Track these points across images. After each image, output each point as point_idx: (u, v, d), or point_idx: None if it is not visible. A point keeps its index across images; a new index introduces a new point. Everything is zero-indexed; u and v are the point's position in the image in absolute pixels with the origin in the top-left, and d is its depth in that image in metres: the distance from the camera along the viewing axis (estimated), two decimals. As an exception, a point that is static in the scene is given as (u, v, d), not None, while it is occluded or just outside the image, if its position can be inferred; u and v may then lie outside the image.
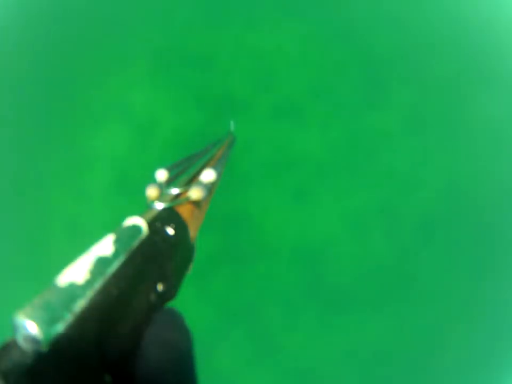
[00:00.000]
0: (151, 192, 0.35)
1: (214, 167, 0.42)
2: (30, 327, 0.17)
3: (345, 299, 2.38)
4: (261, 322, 2.32)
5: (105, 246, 0.24)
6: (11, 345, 0.18)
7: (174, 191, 0.37)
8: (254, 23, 2.75)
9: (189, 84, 2.64)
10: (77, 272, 0.21)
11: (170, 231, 0.32)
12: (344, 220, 2.47)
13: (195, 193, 0.37)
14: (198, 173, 0.43)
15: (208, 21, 2.77)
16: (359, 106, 2.63)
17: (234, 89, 2.57)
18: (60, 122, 2.67)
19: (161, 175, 0.38)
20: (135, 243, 0.27)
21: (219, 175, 0.44)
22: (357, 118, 2.62)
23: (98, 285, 0.22)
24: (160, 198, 0.36)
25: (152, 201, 0.34)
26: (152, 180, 0.47)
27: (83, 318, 0.20)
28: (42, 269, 2.46)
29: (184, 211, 0.36)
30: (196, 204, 0.39)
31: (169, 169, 0.40)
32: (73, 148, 2.61)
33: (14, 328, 0.18)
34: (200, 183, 0.38)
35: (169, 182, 0.40)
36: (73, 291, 0.20)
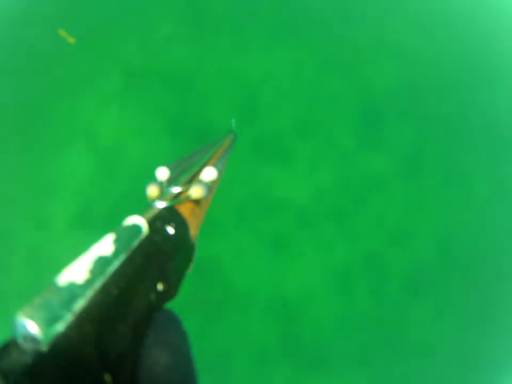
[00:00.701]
0: (152, 191, 0.35)
1: (215, 166, 0.42)
2: (30, 326, 0.17)
3: (324, 358, 2.19)
4: (232, 376, 2.17)
5: (105, 246, 0.24)
6: (11, 345, 0.18)
7: (175, 189, 0.37)
8: (242, 44, 2.52)
9: (163, 107, 2.41)
10: (76, 272, 0.21)
11: (170, 230, 0.32)
12: (326, 272, 2.28)
13: (196, 191, 0.37)
14: (199, 171, 0.42)
15: (190, 38, 2.52)
16: (351, 146, 2.42)
17: (212, 117, 2.37)
18: (23, 146, 2.48)
19: (162, 173, 0.38)
20: (135, 242, 0.27)
21: (220, 173, 0.44)
22: (347, 159, 2.41)
23: (98, 284, 0.22)
24: (160, 196, 0.36)
25: (153, 200, 0.34)
26: (152, 179, 0.47)
27: (83, 318, 0.20)
28: (3, 295, 2.32)
29: (185, 210, 0.36)
30: (197, 202, 0.39)
31: (170, 168, 0.40)
32: (36, 173, 2.43)
33: (14, 328, 0.18)
34: (201, 182, 0.38)
35: (170, 181, 0.39)
36: (73, 291, 0.20)
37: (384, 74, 2.54)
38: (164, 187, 0.37)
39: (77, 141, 2.42)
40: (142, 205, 0.36)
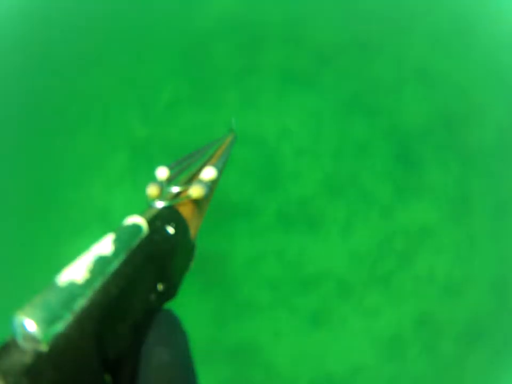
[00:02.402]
0: (152, 190, 0.35)
1: (215, 165, 0.42)
2: (29, 326, 0.17)
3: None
4: None
5: (105, 245, 0.24)
6: (11, 345, 0.18)
7: (175, 189, 0.37)
8: (250, 100, 2.30)
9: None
10: (76, 271, 0.21)
11: (170, 230, 0.32)
12: (374, 339, 2.09)
13: (196, 191, 0.36)
14: (199, 171, 0.42)
15: (194, 100, 2.34)
16: (388, 197, 2.19)
17: (230, 188, 2.17)
18: (35, 233, 2.34)
19: (162, 173, 0.38)
20: (135, 242, 0.27)
21: (220, 172, 0.44)
22: (386, 213, 2.18)
23: (98, 284, 0.22)
24: (160, 196, 0.36)
25: (153, 200, 0.34)
26: (153, 178, 0.46)
27: (83, 318, 0.20)
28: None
29: (185, 209, 0.36)
30: (197, 202, 0.38)
31: (170, 167, 0.40)
32: (52, 255, 2.28)
33: (14, 327, 0.18)
34: (201, 181, 0.38)
35: (170, 180, 0.39)
36: (73, 290, 0.20)
37: (413, 107, 2.32)
38: (163, 186, 0.37)
39: (91, 224, 2.30)
40: (142, 205, 0.36)
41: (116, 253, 0.24)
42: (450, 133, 2.30)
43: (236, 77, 2.34)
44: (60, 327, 0.18)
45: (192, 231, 0.37)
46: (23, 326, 0.17)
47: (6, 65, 2.62)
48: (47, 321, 0.18)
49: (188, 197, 0.36)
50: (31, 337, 0.17)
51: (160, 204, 0.33)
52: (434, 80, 2.39)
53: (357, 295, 2.11)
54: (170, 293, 0.30)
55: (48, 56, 2.52)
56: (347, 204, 2.21)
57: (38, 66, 2.53)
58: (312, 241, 2.17)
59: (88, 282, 0.21)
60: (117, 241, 0.25)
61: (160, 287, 0.28)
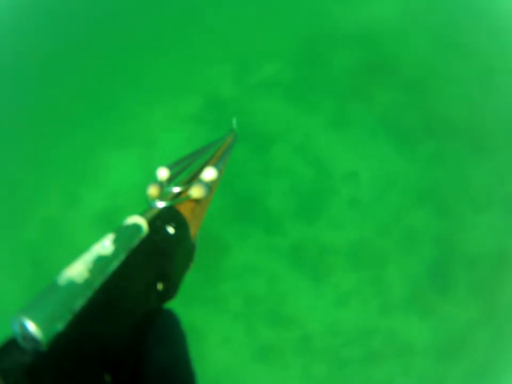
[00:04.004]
0: (152, 190, 0.35)
1: (215, 165, 0.42)
2: (29, 326, 0.17)
3: None
4: None
5: (105, 245, 0.24)
6: (11, 345, 0.18)
7: (175, 189, 0.37)
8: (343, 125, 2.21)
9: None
10: (76, 271, 0.21)
11: (170, 230, 0.32)
12: None
13: (196, 191, 0.37)
14: (199, 171, 0.42)
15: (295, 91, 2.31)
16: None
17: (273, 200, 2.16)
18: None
19: (162, 173, 0.38)
20: (135, 242, 0.27)
21: (220, 173, 0.44)
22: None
23: (98, 284, 0.22)
24: (161, 196, 0.36)
25: (153, 200, 0.34)
26: (153, 178, 0.46)
27: (83, 318, 0.20)
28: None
29: (185, 209, 0.36)
30: (197, 202, 0.39)
31: (171, 167, 0.40)
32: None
33: (13, 327, 0.18)
34: (201, 181, 0.38)
35: (170, 180, 0.39)
36: (72, 290, 0.20)
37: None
38: (164, 187, 0.37)
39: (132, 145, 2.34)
40: (142, 205, 0.36)
41: (115, 253, 0.24)
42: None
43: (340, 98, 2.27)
44: (59, 327, 0.18)
45: (193, 231, 0.37)
46: (22, 326, 0.17)
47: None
48: (47, 321, 0.18)
49: (188, 197, 0.36)
50: (31, 337, 0.17)
51: (160, 204, 0.33)
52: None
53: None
54: (170, 293, 0.30)
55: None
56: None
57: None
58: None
59: (88, 282, 0.21)
60: (117, 241, 0.25)
61: (160, 287, 0.28)
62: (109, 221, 2.22)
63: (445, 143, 2.23)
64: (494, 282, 2.12)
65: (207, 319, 2.07)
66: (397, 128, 2.26)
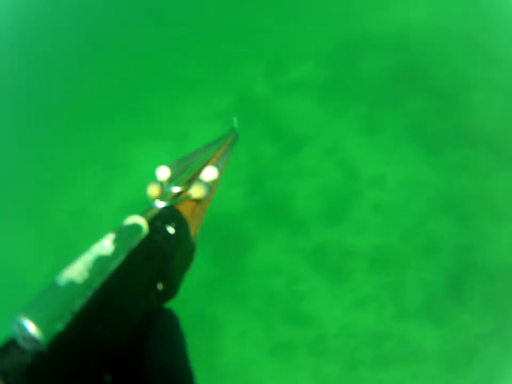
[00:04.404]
0: (152, 190, 0.35)
1: (216, 165, 0.41)
2: (29, 326, 0.17)
3: None
4: None
5: (105, 245, 0.24)
6: (11, 345, 0.18)
7: (175, 189, 0.37)
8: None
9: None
10: (76, 271, 0.21)
11: (171, 230, 0.32)
12: None
13: (196, 191, 0.37)
14: (200, 171, 0.42)
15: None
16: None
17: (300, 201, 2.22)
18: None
19: (163, 173, 0.38)
20: (136, 242, 0.27)
21: (220, 173, 0.44)
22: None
23: (98, 284, 0.22)
24: (161, 196, 0.36)
25: (153, 200, 0.34)
26: (153, 178, 0.47)
27: (83, 318, 0.20)
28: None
29: (185, 209, 0.36)
30: (197, 202, 0.38)
31: (171, 167, 0.40)
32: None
33: (13, 328, 0.18)
34: (202, 181, 0.38)
35: (171, 180, 0.39)
36: (72, 290, 0.20)
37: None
38: (164, 186, 0.37)
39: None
40: (143, 205, 0.36)
41: (115, 253, 0.24)
42: None
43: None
44: (59, 327, 0.18)
45: (193, 231, 0.37)
46: (22, 326, 0.17)
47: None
48: (47, 321, 0.18)
49: (189, 197, 0.36)
50: (31, 338, 0.17)
51: (160, 204, 0.33)
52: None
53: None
54: (170, 293, 0.30)
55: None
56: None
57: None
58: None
59: (88, 282, 0.21)
60: (117, 241, 0.25)
61: (160, 287, 0.28)
62: (135, 212, 2.29)
63: (472, 153, 2.19)
64: (510, 296, 2.07)
65: (227, 313, 2.08)
66: (426, 135, 2.23)
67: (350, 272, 2.14)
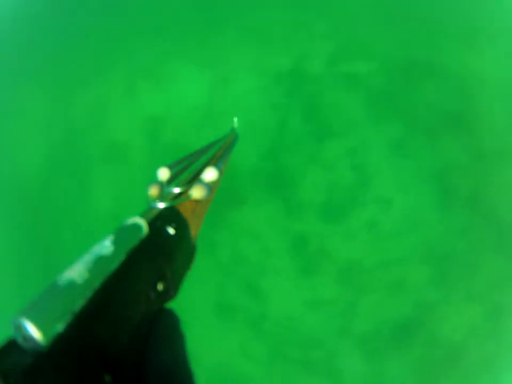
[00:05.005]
0: (152, 191, 0.35)
1: (216, 166, 0.42)
2: (29, 327, 0.17)
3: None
4: None
5: (105, 246, 0.24)
6: (11, 345, 0.18)
7: (175, 189, 0.37)
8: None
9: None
10: (76, 272, 0.21)
11: (171, 230, 0.32)
12: None
13: (197, 192, 0.37)
14: (200, 171, 0.42)
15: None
16: None
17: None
18: None
19: (163, 173, 0.38)
20: (135, 243, 0.27)
21: (221, 173, 0.44)
22: None
23: (98, 284, 0.22)
24: (161, 196, 0.36)
25: (153, 200, 0.34)
26: (153, 179, 0.46)
27: (83, 318, 0.20)
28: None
29: (186, 210, 0.36)
30: (198, 202, 0.39)
31: (171, 168, 0.40)
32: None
33: (13, 328, 0.18)
34: (202, 182, 0.38)
35: (171, 181, 0.39)
36: (72, 291, 0.20)
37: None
38: (164, 187, 0.37)
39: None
40: (142, 205, 0.36)
41: (115, 253, 0.24)
42: None
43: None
44: (59, 327, 0.18)
45: (193, 232, 0.37)
46: (22, 327, 0.17)
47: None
48: (47, 322, 0.18)
49: (189, 198, 0.36)
50: (31, 338, 0.17)
51: (160, 205, 0.33)
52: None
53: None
54: (170, 293, 0.30)
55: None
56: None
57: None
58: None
59: (88, 283, 0.21)
60: (117, 241, 0.25)
61: (160, 287, 0.28)
62: (156, 128, 2.24)
63: (479, 222, 2.10)
64: (440, 366, 2.09)
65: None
66: (448, 184, 2.15)
67: (318, 271, 2.13)
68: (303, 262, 2.15)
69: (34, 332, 0.17)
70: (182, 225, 0.34)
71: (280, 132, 2.27)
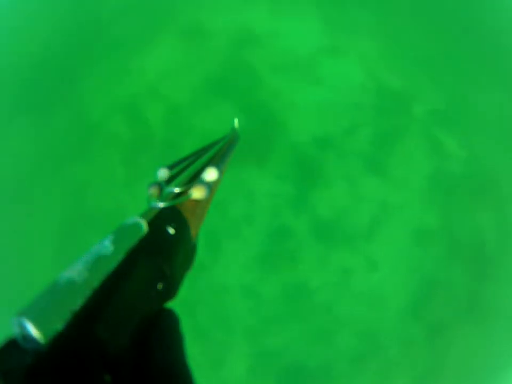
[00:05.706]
0: (152, 190, 0.35)
1: (217, 165, 0.42)
2: (29, 326, 0.17)
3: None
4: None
5: (105, 246, 0.24)
6: (11, 345, 0.18)
7: (176, 189, 0.37)
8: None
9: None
10: (76, 272, 0.21)
11: (171, 230, 0.32)
12: None
13: (197, 192, 0.37)
14: (200, 171, 0.42)
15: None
16: None
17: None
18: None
19: (163, 173, 0.38)
20: (135, 242, 0.27)
21: (221, 173, 0.44)
22: None
23: (98, 284, 0.22)
24: (161, 196, 0.36)
25: (153, 200, 0.34)
26: (153, 178, 0.46)
27: (83, 317, 0.20)
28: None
29: (186, 210, 0.36)
30: (198, 202, 0.39)
31: (171, 167, 0.40)
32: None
33: (13, 327, 0.18)
34: (202, 182, 0.38)
35: (171, 180, 0.39)
36: (72, 290, 0.20)
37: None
38: (164, 187, 0.37)
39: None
40: (142, 205, 0.36)
41: (115, 253, 0.24)
42: None
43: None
44: (59, 327, 0.18)
45: (193, 232, 0.37)
46: (22, 326, 0.17)
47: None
48: (47, 322, 0.18)
49: (189, 198, 0.36)
50: (30, 337, 0.17)
51: (160, 204, 0.33)
52: None
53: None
54: (170, 293, 0.30)
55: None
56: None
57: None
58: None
59: (88, 282, 0.21)
60: (116, 241, 0.25)
61: (160, 287, 0.28)
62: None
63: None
64: None
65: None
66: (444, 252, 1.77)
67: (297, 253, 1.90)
68: (285, 253, 1.79)
69: (34, 331, 0.17)
70: (182, 225, 0.34)
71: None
